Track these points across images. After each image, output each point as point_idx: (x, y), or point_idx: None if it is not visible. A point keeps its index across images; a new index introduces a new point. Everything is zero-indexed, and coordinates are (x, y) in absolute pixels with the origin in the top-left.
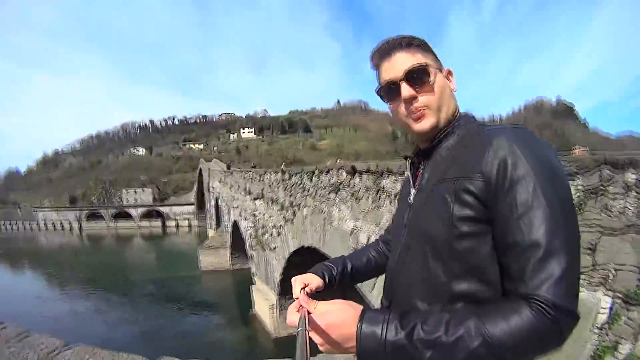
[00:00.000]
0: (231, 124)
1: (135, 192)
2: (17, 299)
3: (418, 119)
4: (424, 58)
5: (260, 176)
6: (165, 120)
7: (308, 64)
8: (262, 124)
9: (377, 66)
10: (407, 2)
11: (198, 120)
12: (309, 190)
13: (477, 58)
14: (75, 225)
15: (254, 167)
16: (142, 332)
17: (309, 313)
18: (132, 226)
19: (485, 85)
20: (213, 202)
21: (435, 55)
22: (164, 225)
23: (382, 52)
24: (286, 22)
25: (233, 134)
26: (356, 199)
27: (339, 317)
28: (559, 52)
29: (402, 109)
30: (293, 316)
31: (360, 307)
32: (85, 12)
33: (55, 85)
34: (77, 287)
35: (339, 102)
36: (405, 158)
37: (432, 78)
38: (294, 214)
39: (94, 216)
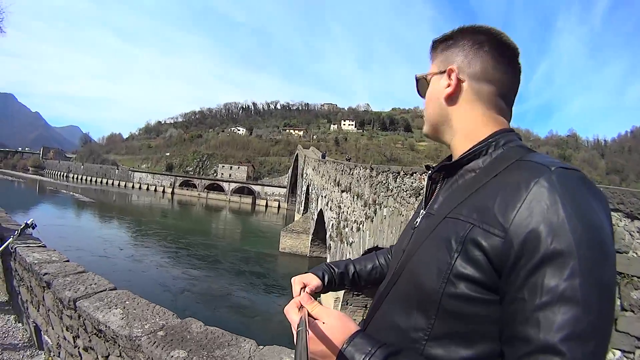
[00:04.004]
0: (332, 114)
1: (231, 168)
2: (95, 242)
3: None
4: (433, 65)
5: (350, 169)
6: (268, 104)
7: (413, 60)
8: (364, 118)
9: None
10: (515, 3)
11: (300, 107)
12: (392, 190)
13: (585, 68)
14: (168, 190)
15: (349, 159)
16: (204, 293)
17: (308, 314)
18: (222, 199)
19: (592, 102)
20: (304, 188)
21: (456, 51)
22: (253, 203)
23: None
24: (391, 14)
25: (334, 124)
26: None
27: (331, 332)
28: None
29: None
30: (293, 315)
31: (355, 329)
32: None
33: (162, 63)
34: (156, 241)
35: None
36: (427, 168)
37: (427, 87)
38: (375, 212)
39: (187, 184)
